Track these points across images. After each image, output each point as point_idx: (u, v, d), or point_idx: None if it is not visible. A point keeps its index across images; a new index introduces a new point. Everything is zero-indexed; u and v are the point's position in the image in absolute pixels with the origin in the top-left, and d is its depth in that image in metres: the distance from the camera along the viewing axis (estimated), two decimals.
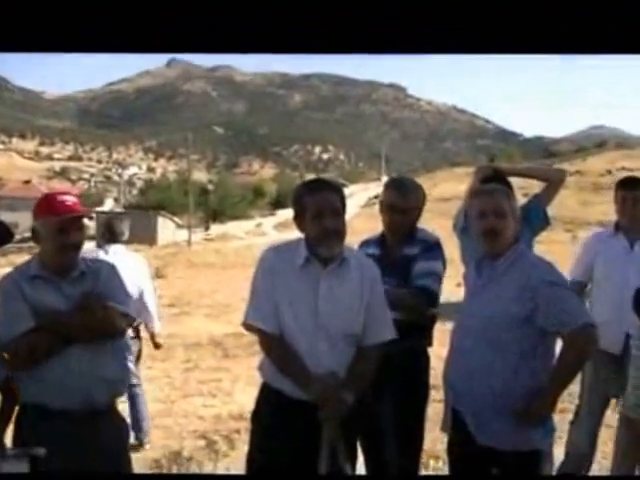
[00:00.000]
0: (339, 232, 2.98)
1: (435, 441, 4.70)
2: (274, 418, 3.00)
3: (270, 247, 3.20)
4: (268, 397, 3.10)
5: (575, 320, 2.90)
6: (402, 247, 3.67)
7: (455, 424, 3.12)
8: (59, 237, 3.02)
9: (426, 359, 3.72)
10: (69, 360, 2.97)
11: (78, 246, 3.13)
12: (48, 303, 3.01)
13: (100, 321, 3.04)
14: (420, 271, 3.57)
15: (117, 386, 3.20)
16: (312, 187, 3.07)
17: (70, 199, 3.12)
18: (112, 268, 3.31)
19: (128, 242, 5.91)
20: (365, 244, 3.90)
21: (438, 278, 3.64)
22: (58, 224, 3.02)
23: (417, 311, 3.57)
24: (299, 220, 3.04)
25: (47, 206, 3.10)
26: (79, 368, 2.98)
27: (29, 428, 2.99)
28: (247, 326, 3.12)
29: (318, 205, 2.95)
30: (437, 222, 8.68)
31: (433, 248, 3.68)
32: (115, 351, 3.15)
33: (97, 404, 3.04)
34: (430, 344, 3.77)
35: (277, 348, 3.01)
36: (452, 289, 5.67)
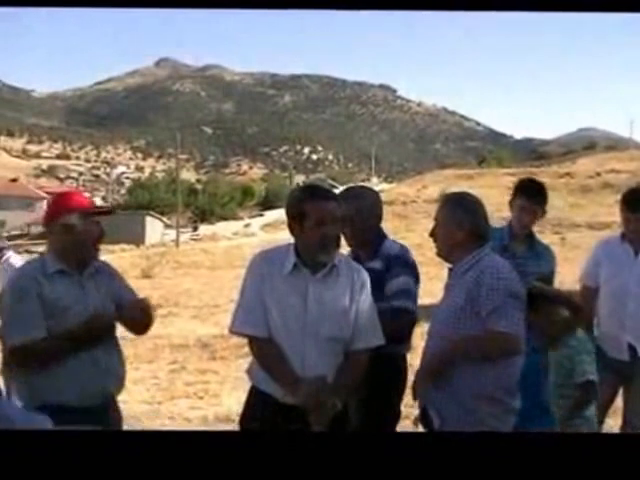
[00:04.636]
0: (338, 239, 3.04)
1: None
2: (262, 422, 2.98)
3: (259, 252, 3.21)
4: (256, 401, 3.09)
5: (500, 326, 2.94)
6: (367, 261, 3.56)
7: (423, 421, 3.18)
8: (95, 229, 3.17)
9: (404, 365, 3.68)
10: (83, 358, 3.06)
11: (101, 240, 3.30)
12: (70, 298, 3.08)
13: (145, 316, 3.29)
14: (393, 290, 3.49)
15: (123, 377, 3.31)
16: (314, 194, 3.04)
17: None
18: (113, 267, 3.47)
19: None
20: None
21: (412, 293, 3.55)
22: (96, 217, 3.21)
23: (400, 332, 3.49)
24: (295, 225, 3.01)
25: (83, 200, 3.27)
26: (93, 364, 3.08)
27: None
28: (235, 332, 3.12)
29: (321, 212, 2.94)
30: (426, 224, 8.66)
31: (398, 263, 3.57)
32: (116, 344, 3.28)
33: (110, 397, 3.20)
34: (408, 349, 3.73)
35: (266, 352, 3.00)
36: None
